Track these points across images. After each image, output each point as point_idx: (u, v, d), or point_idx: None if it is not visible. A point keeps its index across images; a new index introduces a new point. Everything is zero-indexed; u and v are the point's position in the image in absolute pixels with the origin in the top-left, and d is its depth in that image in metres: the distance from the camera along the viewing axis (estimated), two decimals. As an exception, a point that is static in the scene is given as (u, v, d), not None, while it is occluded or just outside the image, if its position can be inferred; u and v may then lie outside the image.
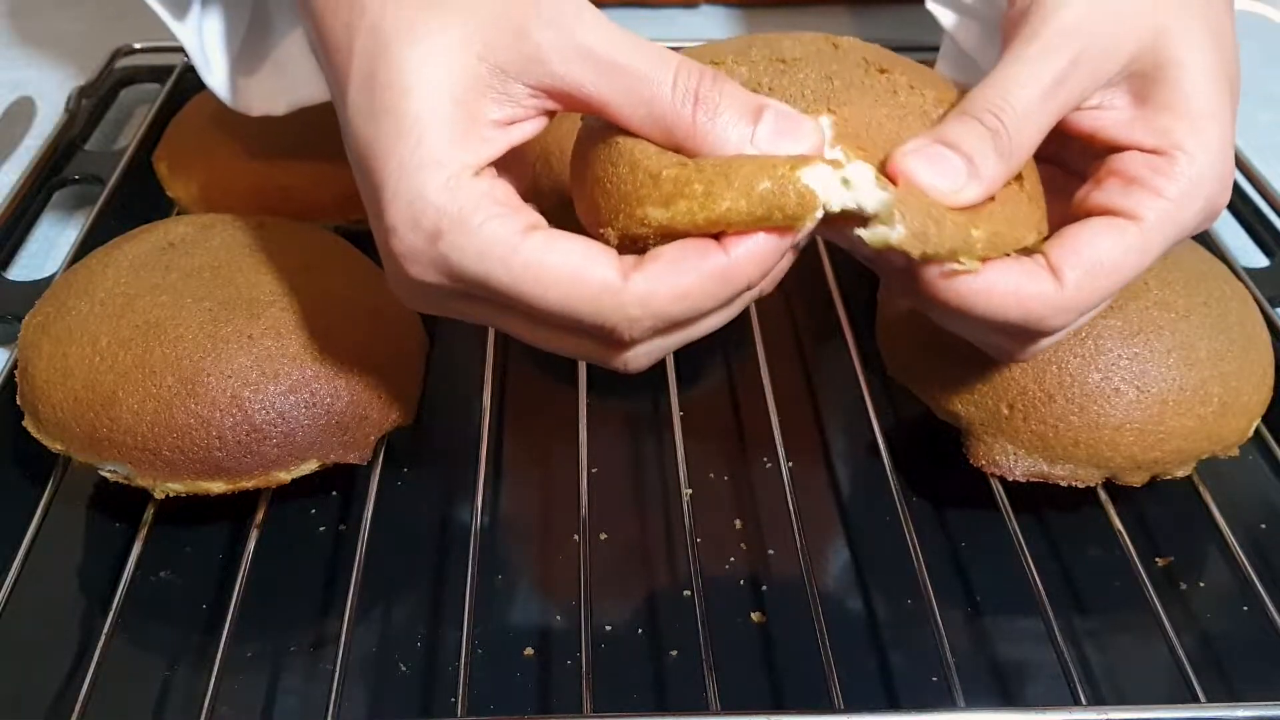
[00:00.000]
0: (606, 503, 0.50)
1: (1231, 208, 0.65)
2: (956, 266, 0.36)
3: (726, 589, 0.47)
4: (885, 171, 0.36)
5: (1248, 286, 0.54)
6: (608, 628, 0.45)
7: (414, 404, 0.50)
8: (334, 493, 0.51)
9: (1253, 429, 0.49)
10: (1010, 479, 0.47)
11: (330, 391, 0.46)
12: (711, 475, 0.52)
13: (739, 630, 0.45)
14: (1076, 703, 0.40)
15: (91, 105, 0.72)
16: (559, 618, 0.46)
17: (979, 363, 0.47)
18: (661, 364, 0.52)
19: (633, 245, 0.36)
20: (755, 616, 0.46)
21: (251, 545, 0.44)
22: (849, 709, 0.39)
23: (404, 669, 0.44)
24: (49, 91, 0.77)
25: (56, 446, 0.46)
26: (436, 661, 0.44)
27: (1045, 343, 0.40)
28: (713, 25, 0.89)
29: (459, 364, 0.56)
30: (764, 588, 0.47)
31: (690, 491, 0.47)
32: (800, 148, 0.35)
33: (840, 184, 0.35)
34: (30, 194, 0.64)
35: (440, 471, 0.52)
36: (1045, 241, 0.38)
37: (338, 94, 0.38)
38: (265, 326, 0.46)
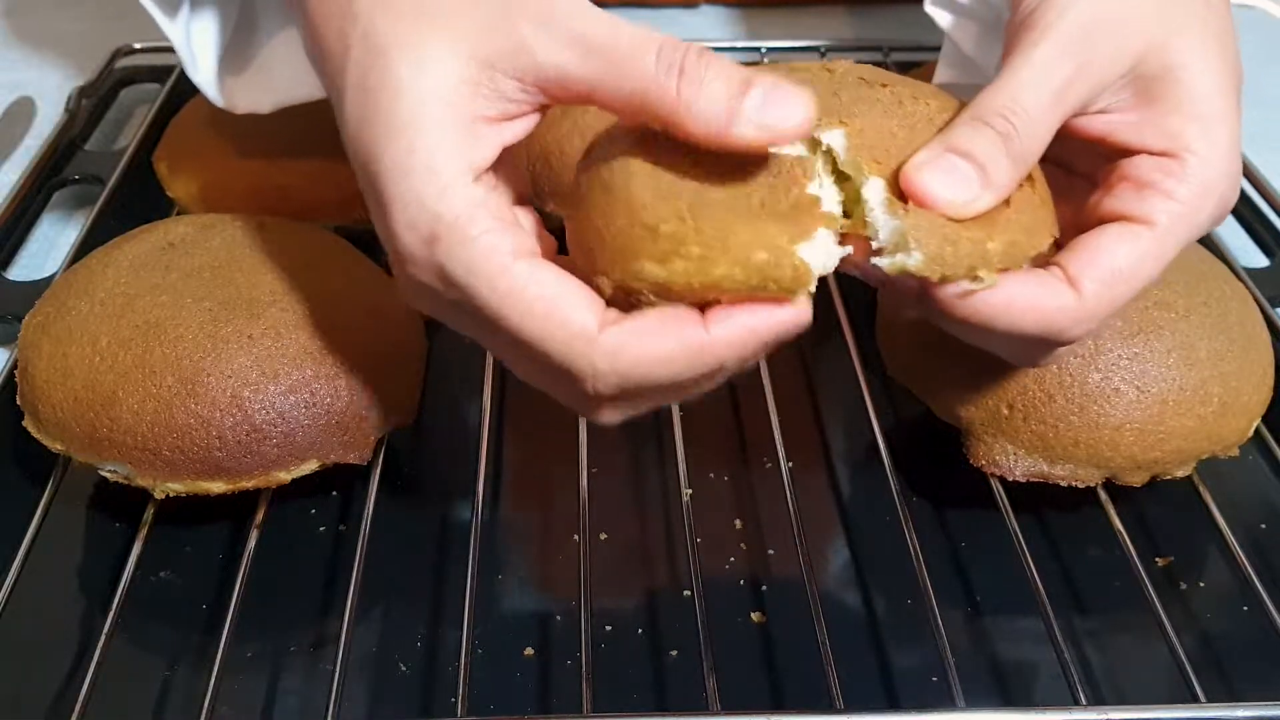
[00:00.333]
0: (606, 503, 0.50)
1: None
2: (972, 285, 0.35)
3: (726, 589, 0.47)
4: (898, 185, 0.36)
5: (1248, 286, 0.54)
6: (608, 628, 0.45)
7: (414, 404, 0.50)
8: (334, 493, 0.51)
9: (1253, 429, 0.49)
10: (1010, 479, 0.47)
11: (330, 391, 0.46)
12: (711, 475, 0.52)
13: (739, 630, 0.45)
14: (1076, 703, 0.40)
15: (91, 105, 0.72)
16: (559, 618, 0.46)
17: (979, 363, 0.46)
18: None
19: (626, 299, 0.35)
20: (755, 616, 0.46)
21: (251, 545, 0.44)
22: (849, 709, 0.39)
23: (404, 669, 0.44)
24: (49, 91, 0.77)
25: (56, 446, 0.46)
26: (436, 661, 0.44)
27: (1063, 350, 0.40)
28: (713, 25, 0.89)
29: (459, 364, 0.56)
30: (764, 588, 0.47)
31: (690, 491, 0.47)
32: (791, 120, 0.34)
33: (836, 251, 0.35)
34: (30, 194, 0.64)
35: (440, 471, 0.52)
36: (1059, 251, 0.38)
37: (335, 100, 0.38)
38: (265, 326, 0.46)
